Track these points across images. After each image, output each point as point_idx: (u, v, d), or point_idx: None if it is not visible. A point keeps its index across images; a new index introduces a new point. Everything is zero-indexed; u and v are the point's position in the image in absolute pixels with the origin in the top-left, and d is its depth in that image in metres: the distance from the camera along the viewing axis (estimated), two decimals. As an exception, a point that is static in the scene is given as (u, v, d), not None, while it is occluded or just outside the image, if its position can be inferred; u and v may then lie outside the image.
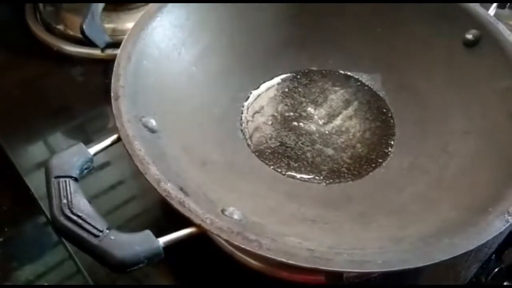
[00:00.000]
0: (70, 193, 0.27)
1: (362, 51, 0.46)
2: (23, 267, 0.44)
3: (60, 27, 0.58)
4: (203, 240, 0.38)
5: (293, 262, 0.26)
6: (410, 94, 0.43)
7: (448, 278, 0.39)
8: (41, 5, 0.60)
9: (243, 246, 0.27)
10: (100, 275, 0.38)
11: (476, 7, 0.41)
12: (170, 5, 0.40)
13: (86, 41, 0.52)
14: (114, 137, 0.32)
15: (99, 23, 0.52)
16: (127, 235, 0.26)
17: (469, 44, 0.41)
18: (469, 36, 0.41)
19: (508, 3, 0.47)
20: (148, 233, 0.26)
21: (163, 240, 0.27)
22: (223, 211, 0.30)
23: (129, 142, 0.31)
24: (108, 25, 0.56)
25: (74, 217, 0.26)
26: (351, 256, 0.27)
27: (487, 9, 0.44)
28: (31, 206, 0.43)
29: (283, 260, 0.26)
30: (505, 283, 0.43)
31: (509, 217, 0.29)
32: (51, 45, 0.57)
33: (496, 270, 0.43)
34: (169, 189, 0.29)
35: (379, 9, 0.45)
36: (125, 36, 0.38)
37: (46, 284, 0.42)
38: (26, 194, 0.43)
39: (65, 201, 0.27)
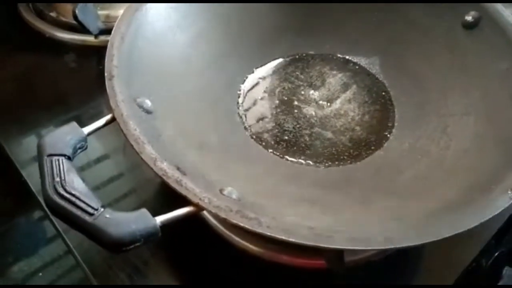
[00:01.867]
0: (64, 171, 0.26)
1: (360, 35, 0.45)
2: (19, 262, 0.43)
3: (53, 14, 0.57)
4: (201, 226, 0.38)
5: (293, 240, 0.26)
6: (409, 77, 0.43)
7: (449, 261, 0.39)
8: (33, -7, 0.59)
9: (242, 225, 0.26)
10: (99, 268, 0.37)
11: (475, -11, 0.41)
12: (164, -14, 0.39)
13: (79, 27, 0.51)
14: (108, 117, 0.31)
15: (92, 8, 0.51)
16: (122, 214, 0.25)
17: (469, 26, 0.41)
18: (469, 18, 0.40)
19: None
20: (144, 211, 0.26)
21: (160, 219, 0.26)
22: (221, 190, 0.29)
23: (124, 121, 0.30)
24: (102, 12, 0.55)
25: (68, 195, 0.25)
26: (352, 233, 0.26)
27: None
28: (27, 200, 0.43)
29: (283, 238, 0.26)
30: (505, 268, 0.43)
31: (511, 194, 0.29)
32: (44, 32, 0.56)
33: (496, 254, 0.42)
34: (166, 168, 0.28)
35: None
36: (119, 17, 0.37)
37: (42, 278, 0.42)
38: (22, 188, 0.43)
39: (58, 179, 0.26)
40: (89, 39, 0.54)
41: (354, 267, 0.35)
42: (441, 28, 0.42)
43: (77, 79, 0.53)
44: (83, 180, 0.27)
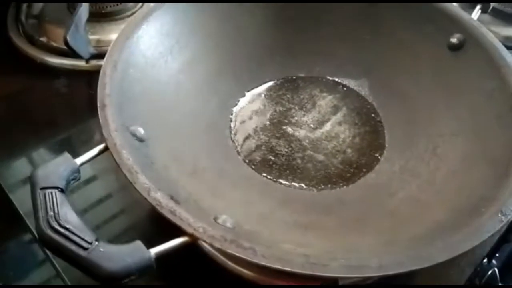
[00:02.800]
0: (57, 205, 0.26)
1: (348, 57, 0.46)
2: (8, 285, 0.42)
3: (43, 39, 0.57)
4: (195, 252, 0.38)
5: (289, 269, 0.26)
6: (398, 98, 0.43)
7: (441, 281, 0.39)
8: (23, 18, 0.59)
9: (237, 254, 0.26)
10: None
11: (459, 11, 0.42)
12: (155, 13, 0.40)
13: (70, 52, 0.51)
14: (101, 146, 0.31)
15: (83, 33, 0.51)
16: (117, 247, 0.25)
17: (454, 48, 0.42)
18: (454, 40, 0.41)
19: (490, 8, 0.48)
20: (138, 243, 0.26)
21: (154, 250, 0.26)
22: (215, 219, 0.29)
23: (117, 151, 0.30)
24: (93, 36, 0.55)
25: (61, 229, 0.25)
26: (347, 261, 0.26)
27: (470, 13, 0.44)
28: (16, 223, 0.42)
29: (279, 267, 0.26)
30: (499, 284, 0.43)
31: (502, 217, 0.29)
32: (34, 57, 0.56)
33: (489, 272, 0.43)
34: (160, 198, 0.28)
35: (364, 15, 0.45)
36: (111, 45, 0.37)
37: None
38: (10, 211, 0.42)
39: (51, 213, 0.26)
40: (80, 63, 0.54)
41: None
42: (427, 50, 0.43)
43: (68, 104, 0.53)
44: (77, 213, 0.26)
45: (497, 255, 0.48)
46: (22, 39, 0.57)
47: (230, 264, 0.37)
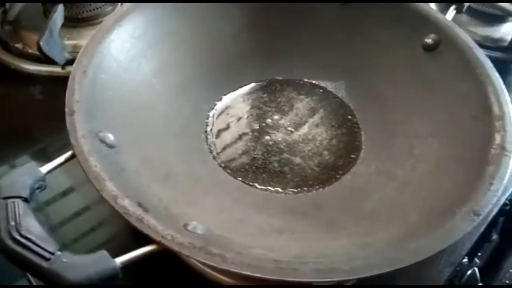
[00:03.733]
0: (19, 215, 0.25)
1: (325, 60, 0.46)
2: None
3: (19, 45, 0.56)
4: (173, 259, 0.37)
5: (258, 275, 0.25)
6: (375, 100, 0.43)
7: (421, 281, 0.39)
8: (-2, 24, 0.58)
9: (205, 261, 0.26)
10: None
11: (434, 12, 0.42)
12: (127, 17, 0.39)
13: (44, 58, 0.50)
14: (68, 154, 0.30)
15: (57, 39, 0.51)
16: (80, 257, 0.25)
17: (429, 49, 0.42)
18: (429, 41, 0.41)
19: (465, 8, 0.48)
20: (103, 253, 0.25)
21: (120, 259, 0.25)
22: (185, 225, 0.29)
23: (84, 158, 0.29)
24: (69, 42, 0.54)
25: (23, 240, 0.24)
26: (317, 264, 0.26)
27: (445, 14, 0.44)
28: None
29: (248, 273, 0.26)
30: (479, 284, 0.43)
31: (474, 217, 0.29)
32: (9, 64, 0.55)
33: (469, 272, 0.43)
34: (127, 205, 0.27)
35: (341, 17, 0.45)
36: (81, 50, 0.37)
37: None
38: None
39: (13, 223, 0.25)
40: (56, 70, 0.53)
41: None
42: (403, 51, 0.43)
43: (44, 111, 0.52)
44: (41, 223, 0.26)
45: (479, 254, 0.48)
46: (-3, 46, 0.56)
47: (208, 271, 0.36)
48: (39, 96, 0.54)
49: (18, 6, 0.60)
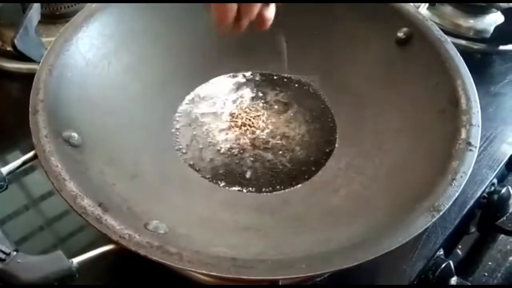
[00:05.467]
0: (-24, 216, 0.26)
1: (300, 54, 0.45)
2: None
3: (-3, 43, 0.56)
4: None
5: (214, 273, 0.26)
6: (348, 94, 0.43)
7: (393, 275, 0.39)
8: (-23, 22, 0.58)
9: (162, 261, 0.26)
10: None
11: (406, 6, 0.42)
12: (97, 14, 0.39)
13: (20, 56, 0.50)
14: (30, 154, 0.30)
15: (34, 36, 0.50)
16: (36, 257, 0.25)
17: (401, 42, 0.41)
18: (401, 35, 0.41)
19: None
20: (59, 253, 0.25)
21: (77, 260, 0.25)
22: (146, 225, 0.29)
23: (45, 158, 0.29)
24: (47, 39, 0.54)
25: (-22, 242, 0.24)
26: (275, 263, 0.26)
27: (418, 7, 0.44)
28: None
29: (205, 271, 0.26)
30: (453, 279, 0.43)
31: (434, 213, 0.29)
32: (-12, 62, 0.55)
33: (443, 265, 0.43)
34: (86, 205, 0.27)
35: (314, 12, 0.45)
36: (47, 49, 0.36)
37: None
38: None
39: (-32, 225, 0.25)
40: (36, 67, 0.53)
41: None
42: (376, 45, 0.43)
43: (23, 109, 0.52)
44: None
45: (459, 247, 0.48)
46: (-24, 44, 0.56)
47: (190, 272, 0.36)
48: (18, 93, 0.54)
49: (-3, 4, 0.60)
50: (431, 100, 0.37)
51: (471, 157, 0.32)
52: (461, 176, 0.31)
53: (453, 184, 0.30)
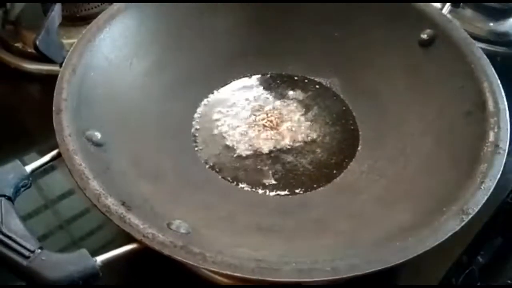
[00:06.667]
0: (1, 213, 0.26)
1: (320, 56, 0.45)
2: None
3: (18, 44, 0.57)
4: (169, 261, 0.36)
5: (239, 275, 0.25)
6: (370, 97, 0.43)
7: (418, 276, 0.38)
8: (-1, 23, 0.59)
9: (186, 261, 0.26)
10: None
11: (430, 7, 0.41)
12: (119, 16, 0.39)
13: (41, 57, 0.50)
14: (54, 152, 0.30)
15: (55, 38, 0.51)
16: (60, 255, 0.25)
17: (425, 44, 0.41)
18: (424, 36, 0.41)
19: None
20: (83, 252, 0.25)
21: (100, 258, 0.25)
22: (169, 224, 0.29)
23: (69, 156, 0.29)
24: (68, 41, 0.54)
25: (3, 238, 0.24)
26: (300, 265, 0.26)
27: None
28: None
29: (229, 272, 0.25)
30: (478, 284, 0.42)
31: (463, 216, 0.28)
32: (9, 63, 0.55)
33: (467, 271, 0.42)
34: (110, 204, 0.27)
35: (334, 14, 0.44)
36: (71, 49, 0.37)
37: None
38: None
39: (-6, 221, 0.25)
40: (56, 69, 0.53)
41: None
42: (398, 47, 0.42)
43: (43, 110, 0.52)
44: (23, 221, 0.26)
45: (481, 253, 0.47)
46: (-2, 45, 0.57)
47: (203, 271, 0.36)
48: (38, 95, 0.54)
49: (19, 6, 0.60)
50: (456, 103, 0.37)
51: (500, 160, 0.31)
52: (490, 180, 0.30)
53: (482, 187, 0.29)
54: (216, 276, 0.36)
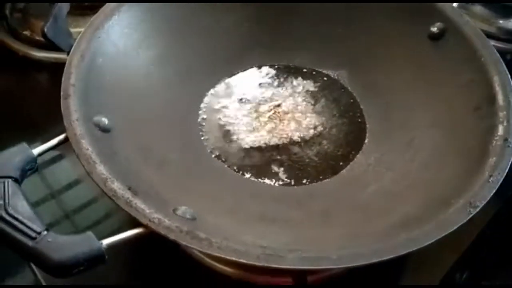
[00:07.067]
0: (8, 194, 0.26)
1: (328, 49, 0.45)
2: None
3: (27, 32, 0.57)
4: (174, 250, 0.37)
5: (243, 261, 0.25)
6: (377, 90, 0.42)
7: (419, 275, 0.38)
8: (8, 12, 0.59)
9: (191, 246, 0.26)
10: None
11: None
12: (127, 4, 0.39)
13: (50, 45, 0.50)
14: (61, 137, 0.30)
15: (63, 25, 0.51)
16: (66, 237, 0.25)
17: (435, 38, 0.40)
18: (434, 29, 0.40)
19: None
20: (89, 234, 0.25)
21: (106, 241, 0.25)
22: (174, 210, 0.29)
23: (76, 141, 0.29)
24: (75, 29, 0.54)
25: (9, 219, 0.24)
26: (305, 252, 0.26)
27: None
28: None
29: (234, 258, 0.25)
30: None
31: (471, 209, 0.28)
32: (17, 50, 0.55)
33: (471, 267, 0.42)
34: (116, 188, 0.27)
35: (343, 6, 0.44)
36: (79, 35, 0.37)
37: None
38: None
39: (1, 202, 0.25)
40: (63, 57, 0.53)
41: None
42: (407, 40, 0.42)
43: (50, 98, 0.53)
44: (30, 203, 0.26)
45: (486, 248, 0.47)
46: (5, 33, 0.57)
47: (208, 260, 0.36)
48: (46, 83, 0.55)
49: (27, -6, 0.60)
50: (465, 97, 0.36)
51: (509, 154, 0.31)
52: (499, 173, 0.30)
53: (490, 181, 0.29)
54: (220, 265, 0.36)
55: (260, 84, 0.44)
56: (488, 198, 0.29)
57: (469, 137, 0.34)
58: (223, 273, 0.36)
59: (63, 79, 0.33)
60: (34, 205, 0.41)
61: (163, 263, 0.37)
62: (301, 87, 0.44)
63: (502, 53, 0.55)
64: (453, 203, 0.28)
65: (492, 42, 0.53)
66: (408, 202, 0.32)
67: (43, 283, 0.37)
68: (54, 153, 0.44)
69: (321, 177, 0.38)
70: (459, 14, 0.40)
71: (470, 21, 0.40)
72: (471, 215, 0.28)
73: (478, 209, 0.28)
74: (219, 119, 0.41)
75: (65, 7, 0.51)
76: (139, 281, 0.38)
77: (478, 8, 0.58)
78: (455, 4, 0.43)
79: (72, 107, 0.31)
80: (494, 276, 0.44)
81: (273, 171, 0.38)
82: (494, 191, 0.29)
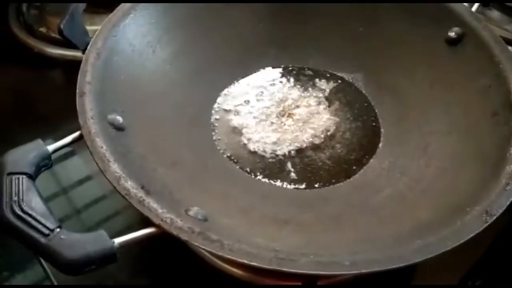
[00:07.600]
0: (22, 191, 0.26)
1: (343, 51, 0.45)
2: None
3: (43, 29, 0.57)
4: (184, 250, 0.37)
5: (255, 264, 0.25)
6: (393, 94, 0.42)
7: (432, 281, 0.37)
8: (24, 8, 0.60)
9: (203, 247, 0.25)
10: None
11: (458, 5, 0.40)
12: (143, 4, 0.39)
13: (66, 42, 0.51)
14: (76, 134, 0.30)
15: (79, 23, 0.51)
16: (79, 235, 0.25)
17: (452, 42, 0.40)
18: (452, 34, 0.40)
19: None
20: (101, 233, 0.25)
21: (118, 240, 0.25)
22: (186, 211, 0.29)
23: (91, 139, 0.30)
24: (90, 27, 0.54)
25: (23, 215, 0.25)
26: (318, 257, 0.25)
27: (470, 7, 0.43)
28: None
29: (245, 261, 0.25)
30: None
31: (487, 218, 0.27)
32: (33, 47, 0.56)
33: (484, 274, 0.41)
34: (129, 187, 0.27)
35: (359, 8, 0.44)
36: (96, 33, 0.37)
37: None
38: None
39: (15, 198, 0.25)
40: (78, 54, 0.54)
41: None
42: (424, 44, 0.41)
43: (65, 95, 0.53)
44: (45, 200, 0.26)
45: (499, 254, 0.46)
46: (22, 29, 0.58)
47: (219, 262, 0.36)
48: (61, 80, 0.55)
49: (44, -9, 0.61)
50: (482, 102, 0.36)
51: (527, 161, 0.30)
52: (517, 181, 0.29)
53: (508, 189, 0.29)
54: (228, 266, 0.36)
55: (273, 85, 0.44)
56: (505, 207, 0.28)
57: (486, 143, 0.33)
58: (231, 274, 0.36)
59: (79, 76, 0.34)
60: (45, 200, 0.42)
61: (171, 262, 0.37)
62: (315, 89, 0.44)
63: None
64: (469, 211, 0.28)
65: (511, 48, 0.54)
66: (422, 208, 0.31)
67: (53, 279, 0.37)
68: (66, 149, 0.44)
69: (333, 181, 0.37)
70: (477, 19, 0.39)
71: (488, 26, 0.39)
72: (487, 224, 0.27)
73: (494, 218, 0.27)
74: (232, 120, 0.41)
75: (81, 5, 0.52)
76: (147, 280, 0.38)
77: (495, 14, 0.57)
78: (473, 9, 0.42)
79: (87, 105, 0.31)
80: (507, 285, 0.43)
81: (285, 173, 0.38)
82: (511, 199, 0.28)
